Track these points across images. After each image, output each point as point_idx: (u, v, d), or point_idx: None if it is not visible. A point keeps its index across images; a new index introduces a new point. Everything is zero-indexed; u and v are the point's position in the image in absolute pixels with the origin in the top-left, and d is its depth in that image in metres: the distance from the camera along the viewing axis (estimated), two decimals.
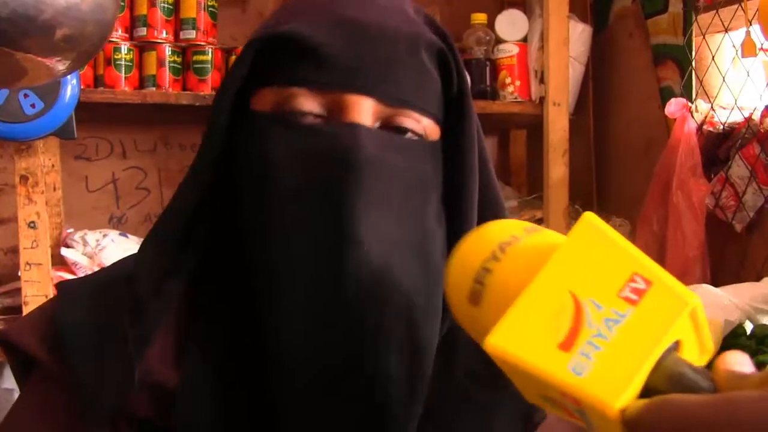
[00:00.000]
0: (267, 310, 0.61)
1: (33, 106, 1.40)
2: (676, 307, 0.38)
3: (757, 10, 1.46)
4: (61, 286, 0.70)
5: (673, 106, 1.67)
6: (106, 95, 1.68)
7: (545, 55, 1.89)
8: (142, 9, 1.74)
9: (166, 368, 0.63)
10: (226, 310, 0.64)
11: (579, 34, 1.97)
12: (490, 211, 0.67)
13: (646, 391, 0.37)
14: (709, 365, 0.39)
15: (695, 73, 1.74)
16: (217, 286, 0.65)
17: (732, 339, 1.21)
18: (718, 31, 1.68)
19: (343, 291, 0.58)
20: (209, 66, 1.76)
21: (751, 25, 1.54)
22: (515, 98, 1.93)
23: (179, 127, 2.01)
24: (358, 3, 0.64)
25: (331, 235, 0.58)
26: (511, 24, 1.95)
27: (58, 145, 1.77)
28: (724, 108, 1.67)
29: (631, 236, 1.86)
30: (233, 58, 1.79)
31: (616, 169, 2.07)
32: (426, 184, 0.64)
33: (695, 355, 0.41)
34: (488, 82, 1.94)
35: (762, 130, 1.55)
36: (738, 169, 1.59)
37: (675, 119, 1.68)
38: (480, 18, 1.95)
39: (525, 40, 1.95)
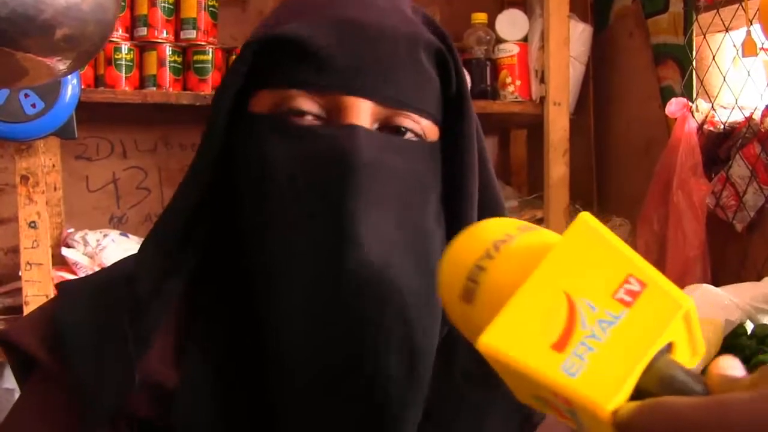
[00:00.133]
0: (266, 310, 0.61)
1: (33, 105, 1.40)
2: (669, 310, 0.38)
3: (758, 9, 1.46)
4: (61, 286, 0.70)
5: (674, 106, 1.67)
6: (107, 95, 1.68)
7: (546, 55, 1.89)
8: (143, 9, 1.74)
9: (166, 368, 0.63)
10: (225, 310, 0.64)
11: (579, 33, 1.97)
12: (490, 212, 0.67)
13: (638, 393, 0.37)
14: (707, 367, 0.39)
15: (696, 73, 1.74)
16: (216, 285, 0.65)
17: (732, 339, 1.21)
18: (719, 31, 1.68)
19: (343, 291, 0.58)
20: (210, 66, 1.76)
21: (751, 24, 1.54)
22: (516, 98, 1.93)
23: (180, 127, 2.01)
24: (357, 3, 0.64)
25: (330, 237, 0.58)
26: (511, 24, 1.95)
27: (58, 145, 1.77)
28: (725, 107, 1.67)
29: (632, 236, 1.86)
30: (233, 57, 1.79)
31: (616, 168, 2.07)
32: (425, 185, 0.64)
33: (687, 357, 0.41)
34: (489, 82, 1.94)
35: (763, 130, 1.55)
36: (738, 169, 1.59)
37: (675, 119, 1.68)
38: (480, 18, 1.95)
39: (525, 39, 1.95)
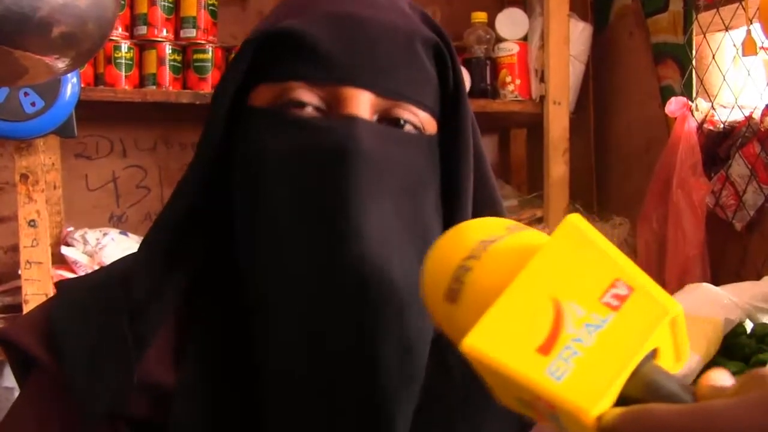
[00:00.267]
0: (264, 306, 0.61)
1: (33, 104, 1.40)
2: (657, 315, 0.38)
3: (758, 8, 1.46)
4: (59, 285, 0.70)
5: (674, 105, 1.67)
6: (107, 94, 1.68)
7: (546, 54, 1.88)
8: (143, 7, 1.74)
9: (165, 369, 0.62)
10: (223, 310, 0.64)
11: (579, 32, 1.96)
12: (487, 208, 0.67)
13: (623, 399, 0.37)
14: (707, 368, 0.39)
15: (696, 72, 1.74)
16: (216, 285, 0.65)
17: (732, 338, 1.21)
18: (719, 30, 1.68)
19: (341, 282, 0.58)
20: (209, 64, 1.76)
21: (751, 23, 1.54)
22: (515, 97, 1.93)
23: (179, 126, 2.01)
24: (356, 0, 0.64)
25: (330, 227, 0.58)
26: (511, 23, 1.95)
27: (58, 144, 1.77)
28: (725, 107, 1.67)
29: (632, 235, 1.86)
30: (233, 56, 1.79)
31: (616, 167, 2.07)
32: (424, 177, 0.64)
33: (671, 363, 0.40)
34: (488, 81, 1.94)
35: (762, 129, 1.55)
36: (738, 168, 1.59)
37: (675, 118, 1.68)
38: (480, 17, 1.95)
39: (525, 38, 1.95)
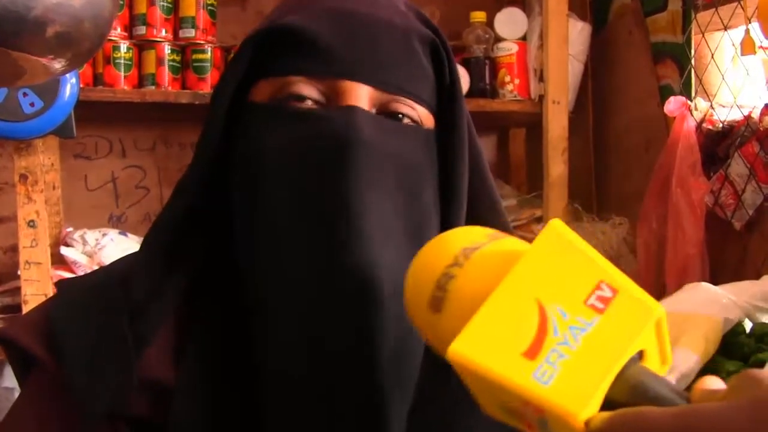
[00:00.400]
0: (263, 305, 0.61)
1: (32, 104, 1.40)
2: (642, 317, 0.38)
3: (757, 8, 1.46)
4: (59, 284, 0.70)
5: (673, 105, 1.67)
6: (106, 94, 1.68)
7: (544, 54, 1.88)
8: (142, 7, 1.74)
9: (165, 368, 0.63)
10: (223, 309, 0.64)
11: (578, 32, 1.96)
12: (485, 204, 0.68)
13: (611, 401, 0.37)
14: (705, 371, 0.39)
15: (694, 71, 1.74)
16: (216, 286, 0.65)
17: (731, 337, 1.21)
18: (718, 29, 1.68)
19: (340, 277, 0.58)
20: (208, 64, 1.76)
21: (750, 23, 1.54)
22: (514, 96, 1.93)
23: (179, 126, 2.01)
24: None
25: (328, 228, 0.58)
26: (510, 22, 1.95)
27: (57, 144, 1.77)
28: (724, 106, 1.67)
29: (631, 234, 1.86)
30: (233, 55, 1.79)
31: (615, 167, 2.07)
32: (423, 171, 0.64)
33: (657, 365, 0.40)
34: (487, 81, 1.94)
35: (761, 129, 1.55)
36: (737, 167, 1.59)
37: (674, 117, 1.68)
38: (479, 16, 1.95)
39: (524, 38, 1.95)
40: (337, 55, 0.61)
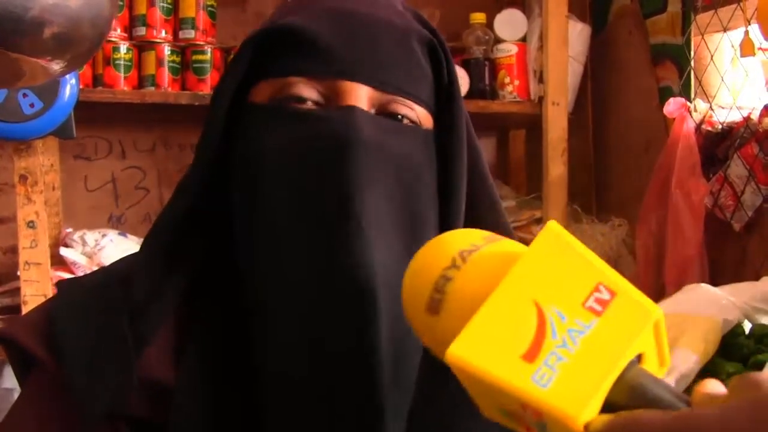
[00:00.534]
0: (263, 307, 0.61)
1: (32, 105, 1.40)
2: (640, 319, 0.38)
3: (756, 9, 1.46)
4: (60, 285, 0.70)
5: (672, 106, 1.67)
6: (105, 95, 1.68)
7: (544, 55, 1.89)
8: (141, 8, 1.74)
9: (166, 368, 0.63)
10: (224, 311, 0.64)
11: (578, 33, 1.97)
12: (485, 204, 0.68)
13: (610, 403, 0.37)
14: (704, 372, 0.39)
15: (694, 73, 1.74)
16: (216, 287, 0.65)
17: (730, 338, 1.21)
18: (717, 31, 1.68)
19: (341, 283, 0.58)
20: (208, 66, 1.76)
21: (749, 24, 1.54)
22: (514, 98, 1.93)
23: (178, 127, 2.01)
24: None
25: (328, 230, 0.58)
26: (510, 23, 1.95)
27: (57, 145, 1.77)
28: (723, 108, 1.67)
29: (630, 235, 1.86)
30: (233, 56, 1.79)
31: (614, 168, 2.07)
32: (421, 171, 0.64)
33: (655, 367, 0.40)
34: (487, 82, 1.94)
35: (760, 130, 1.55)
36: (736, 169, 1.59)
37: (674, 119, 1.68)
38: (479, 18, 1.95)
39: (524, 39, 1.95)
40: (337, 55, 0.61)
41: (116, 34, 1.72)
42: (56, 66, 0.79)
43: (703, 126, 1.66)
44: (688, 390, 0.38)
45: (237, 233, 0.63)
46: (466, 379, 0.39)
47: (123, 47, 1.71)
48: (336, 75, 0.61)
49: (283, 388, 0.60)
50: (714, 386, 0.38)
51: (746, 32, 1.55)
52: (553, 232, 0.40)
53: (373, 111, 0.63)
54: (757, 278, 1.43)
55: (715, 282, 1.43)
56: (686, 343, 1.14)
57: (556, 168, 1.89)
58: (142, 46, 1.75)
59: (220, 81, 0.66)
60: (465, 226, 0.65)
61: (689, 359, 1.12)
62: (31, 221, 1.50)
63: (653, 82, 1.88)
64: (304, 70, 0.62)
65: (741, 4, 1.55)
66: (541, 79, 1.90)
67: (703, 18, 1.71)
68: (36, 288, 1.51)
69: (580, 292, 0.39)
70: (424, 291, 0.43)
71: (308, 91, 0.62)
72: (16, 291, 1.57)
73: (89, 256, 1.67)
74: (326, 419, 0.60)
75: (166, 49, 1.73)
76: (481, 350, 0.38)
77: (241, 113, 0.65)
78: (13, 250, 1.69)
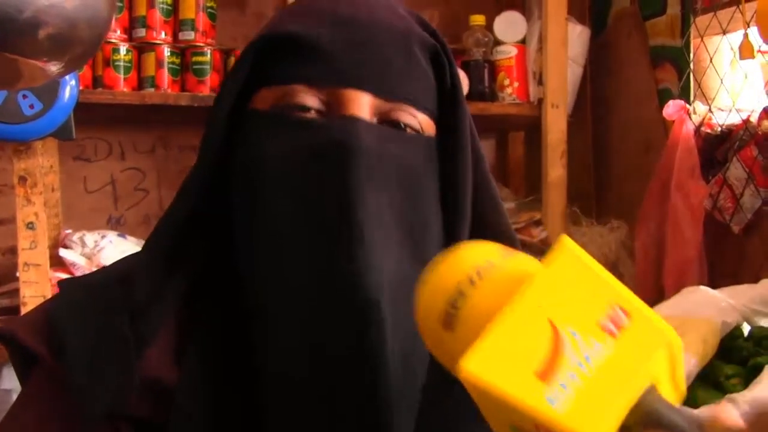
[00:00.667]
0: (264, 311, 0.61)
1: (32, 106, 1.40)
2: (655, 342, 0.38)
3: (755, 12, 1.46)
4: (61, 284, 0.70)
5: (671, 108, 1.67)
6: (105, 96, 1.68)
7: (544, 57, 1.89)
8: (141, 10, 1.74)
9: (166, 369, 0.63)
10: (224, 313, 0.64)
11: (577, 35, 1.97)
12: (489, 210, 0.68)
13: (624, 427, 0.37)
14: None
15: (693, 75, 1.74)
16: (216, 289, 0.65)
17: (729, 341, 1.21)
18: (716, 33, 1.69)
19: (341, 284, 0.58)
20: (208, 67, 1.76)
21: (748, 27, 1.54)
22: (513, 100, 1.94)
23: (178, 129, 2.01)
24: (353, 1, 0.65)
25: (329, 235, 0.58)
26: (509, 26, 1.95)
27: (56, 146, 1.77)
28: (722, 110, 1.67)
29: (630, 237, 1.86)
30: (232, 59, 1.79)
31: (614, 170, 2.07)
32: (424, 178, 0.64)
33: (669, 391, 0.40)
34: (487, 84, 1.94)
35: (760, 132, 1.55)
36: (736, 171, 1.59)
37: (673, 121, 1.68)
38: (478, 20, 1.96)
39: (523, 41, 1.95)
40: (338, 62, 0.61)
41: (116, 35, 1.72)
42: (54, 67, 0.79)
43: (703, 128, 1.66)
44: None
45: (237, 238, 0.64)
46: (478, 395, 0.39)
47: (123, 48, 1.71)
48: (337, 83, 0.61)
49: (283, 389, 0.60)
50: (730, 413, 0.37)
51: (745, 35, 1.55)
52: (568, 249, 0.40)
53: (374, 119, 0.62)
54: (756, 280, 1.43)
55: (714, 284, 1.43)
56: (685, 346, 1.14)
57: (556, 170, 1.89)
58: (142, 48, 1.75)
59: (222, 86, 0.66)
60: (469, 230, 0.66)
61: (688, 362, 1.12)
62: (31, 222, 1.50)
63: (652, 85, 1.88)
64: (305, 77, 0.62)
65: (740, 6, 1.55)
66: (540, 81, 1.91)
67: (702, 20, 1.71)
68: (35, 289, 1.51)
69: (595, 312, 0.38)
70: (439, 305, 0.42)
71: (310, 100, 0.62)
72: (15, 292, 1.56)
73: (88, 258, 1.67)
74: (327, 420, 0.60)
75: (166, 51, 1.74)
76: (495, 366, 0.37)
77: (243, 119, 0.64)
78: (13, 252, 1.69)
